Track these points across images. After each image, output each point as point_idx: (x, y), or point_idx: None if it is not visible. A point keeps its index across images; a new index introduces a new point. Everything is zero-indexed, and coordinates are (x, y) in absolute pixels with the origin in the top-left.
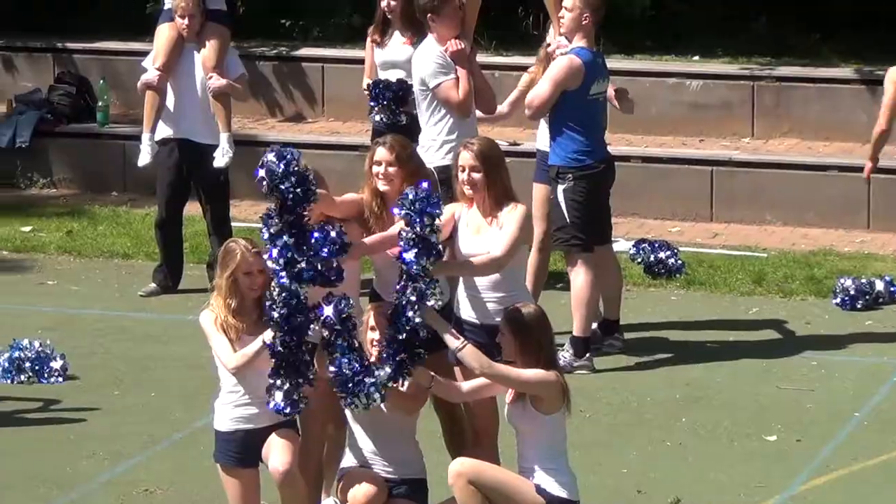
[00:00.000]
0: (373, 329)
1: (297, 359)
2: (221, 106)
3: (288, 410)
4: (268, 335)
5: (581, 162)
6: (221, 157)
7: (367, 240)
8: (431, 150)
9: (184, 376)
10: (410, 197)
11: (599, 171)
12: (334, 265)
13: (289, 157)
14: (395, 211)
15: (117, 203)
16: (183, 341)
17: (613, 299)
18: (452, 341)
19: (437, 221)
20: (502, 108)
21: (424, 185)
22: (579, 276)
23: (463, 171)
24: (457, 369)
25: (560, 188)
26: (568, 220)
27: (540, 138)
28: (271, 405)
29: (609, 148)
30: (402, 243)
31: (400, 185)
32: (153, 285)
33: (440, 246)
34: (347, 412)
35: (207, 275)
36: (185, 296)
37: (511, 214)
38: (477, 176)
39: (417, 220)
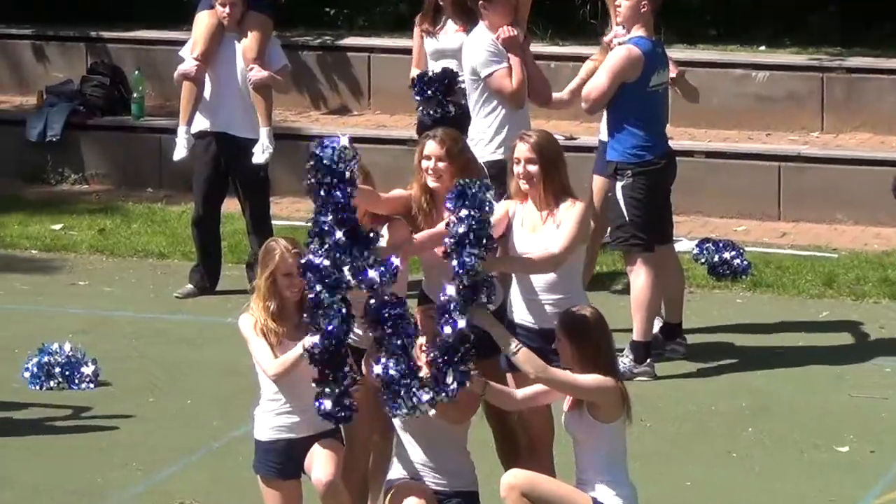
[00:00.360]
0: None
1: (339, 363)
2: (262, 98)
3: (340, 414)
4: (308, 341)
5: (641, 157)
6: (261, 153)
7: (416, 237)
8: (482, 144)
9: (221, 382)
10: (461, 190)
11: (660, 167)
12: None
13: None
14: (447, 206)
15: (152, 200)
16: (221, 345)
17: (675, 302)
18: (506, 344)
19: (488, 216)
20: (562, 94)
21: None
22: (639, 278)
23: (518, 163)
24: (509, 376)
25: (619, 185)
26: (627, 218)
27: (603, 128)
28: (320, 409)
29: (671, 142)
30: (448, 240)
31: (450, 181)
32: (190, 286)
33: (493, 242)
34: (396, 421)
35: (247, 275)
36: (224, 297)
37: (569, 211)
38: (533, 169)
39: (467, 214)
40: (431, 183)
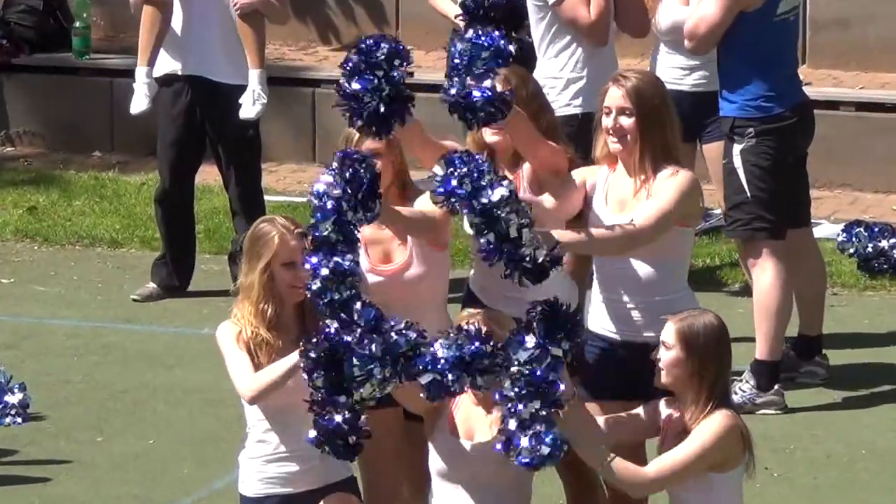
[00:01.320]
0: None
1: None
2: (252, 30)
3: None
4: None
5: (766, 111)
6: (251, 105)
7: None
8: (552, 93)
9: (197, 416)
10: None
11: (792, 123)
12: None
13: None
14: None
15: (101, 167)
16: (195, 365)
17: (814, 307)
18: (594, 458)
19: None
20: None
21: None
22: (766, 275)
23: (608, 114)
24: (591, 406)
25: (737, 148)
26: (749, 193)
27: (658, 66)
28: (316, 437)
29: (807, 90)
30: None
31: None
32: (152, 285)
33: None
34: (433, 465)
35: (230, 270)
36: (199, 300)
37: (669, 181)
38: (627, 122)
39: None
40: (489, 137)
